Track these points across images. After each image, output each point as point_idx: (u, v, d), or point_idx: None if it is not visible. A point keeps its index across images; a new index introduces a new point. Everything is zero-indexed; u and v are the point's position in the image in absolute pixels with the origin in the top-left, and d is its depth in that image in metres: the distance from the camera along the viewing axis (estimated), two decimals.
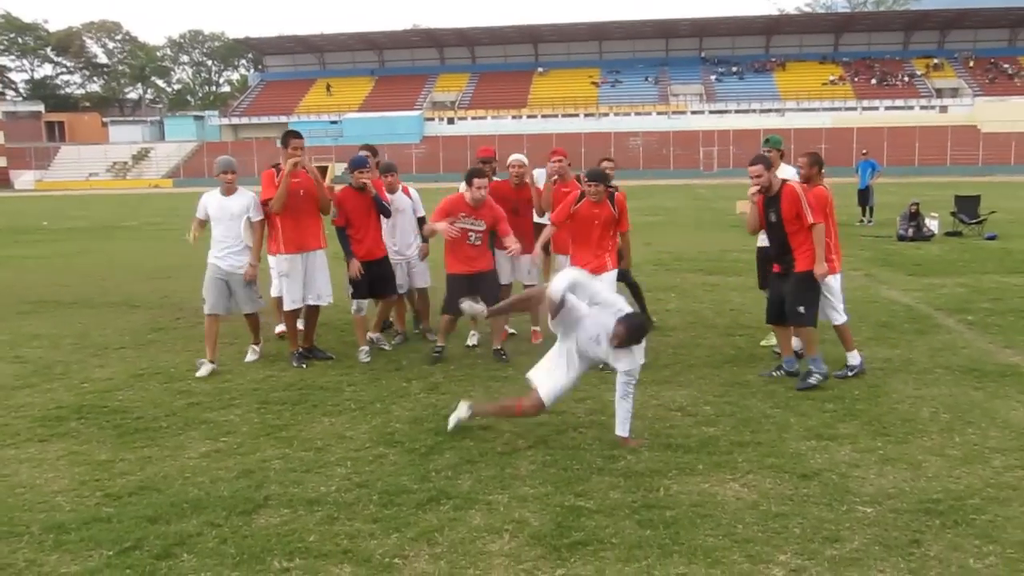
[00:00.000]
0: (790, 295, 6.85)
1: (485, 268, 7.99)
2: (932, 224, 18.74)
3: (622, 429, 5.48)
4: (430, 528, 4.33)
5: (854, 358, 7.12)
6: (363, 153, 8.27)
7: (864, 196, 22.59)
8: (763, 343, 8.27)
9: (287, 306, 7.97)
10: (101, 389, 7.17)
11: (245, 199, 7.72)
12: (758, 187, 6.87)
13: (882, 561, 3.91)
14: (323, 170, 8.09)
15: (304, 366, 7.76)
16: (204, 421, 6.23)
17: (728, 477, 4.95)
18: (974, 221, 18.93)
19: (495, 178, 8.61)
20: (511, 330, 8.91)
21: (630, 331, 5.32)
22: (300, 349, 8.01)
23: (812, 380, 6.68)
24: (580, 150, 50.90)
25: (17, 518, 4.55)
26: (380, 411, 6.40)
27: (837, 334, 7.24)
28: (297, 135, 7.82)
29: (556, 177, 8.37)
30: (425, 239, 8.65)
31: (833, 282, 7.15)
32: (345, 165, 8.43)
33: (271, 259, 8.16)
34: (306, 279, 7.84)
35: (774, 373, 7.09)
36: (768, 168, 6.89)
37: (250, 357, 8.06)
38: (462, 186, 7.99)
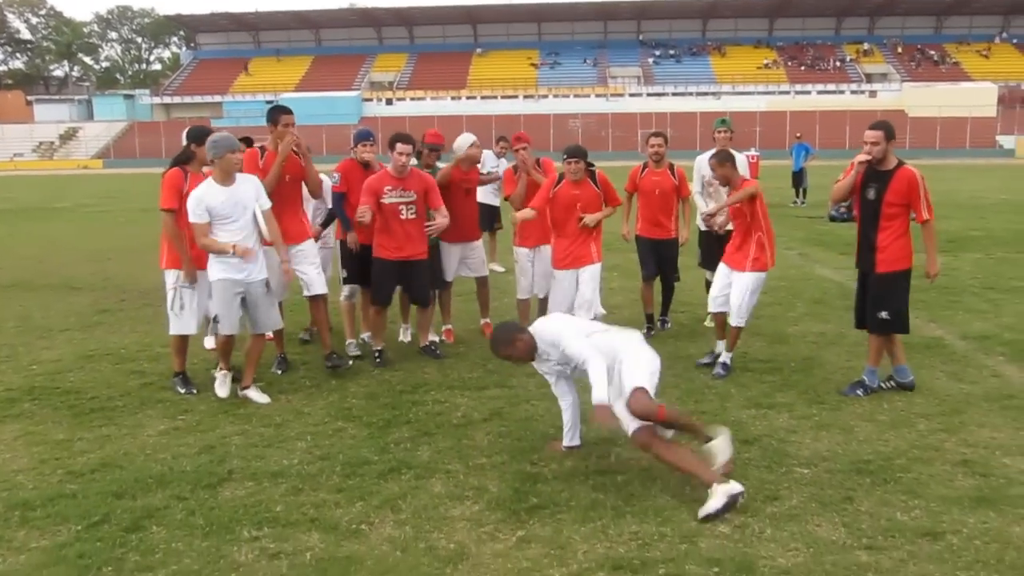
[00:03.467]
0: (873, 298, 6.14)
1: (416, 255, 7.13)
2: None
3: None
4: (393, 496, 4.50)
5: (728, 357, 6.80)
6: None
7: (798, 178, 23.26)
8: (707, 323, 8.53)
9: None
10: (51, 371, 7.13)
11: (251, 184, 6.19)
12: (870, 156, 5.95)
13: (818, 516, 4.22)
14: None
15: (280, 372, 6.97)
16: (160, 400, 6.28)
17: (675, 444, 5.21)
18: None
19: (439, 164, 8.02)
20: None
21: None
22: (282, 352, 7.17)
23: (859, 391, 6.12)
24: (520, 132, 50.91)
25: None
26: (336, 388, 6.53)
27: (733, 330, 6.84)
28: (287, 111, 6.86)
29: (525, 169, 7.68)
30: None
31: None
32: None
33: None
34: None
35: (859, 392, 6.14)
36: (889, 139, 5.94)
37: (221, 389, 6.37)
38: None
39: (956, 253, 13.29)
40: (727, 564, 3.74)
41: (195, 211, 5.94)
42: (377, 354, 7.22)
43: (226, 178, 6.02)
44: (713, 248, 8.21)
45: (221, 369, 6.42)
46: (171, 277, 6.49)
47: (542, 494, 4.50)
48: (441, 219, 7.11)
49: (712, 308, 7.01)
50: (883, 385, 6.26)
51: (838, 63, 75.00)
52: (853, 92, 71.76)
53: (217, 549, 3.94)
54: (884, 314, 6.10)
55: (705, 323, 8.44)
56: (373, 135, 7.57)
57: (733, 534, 4.04)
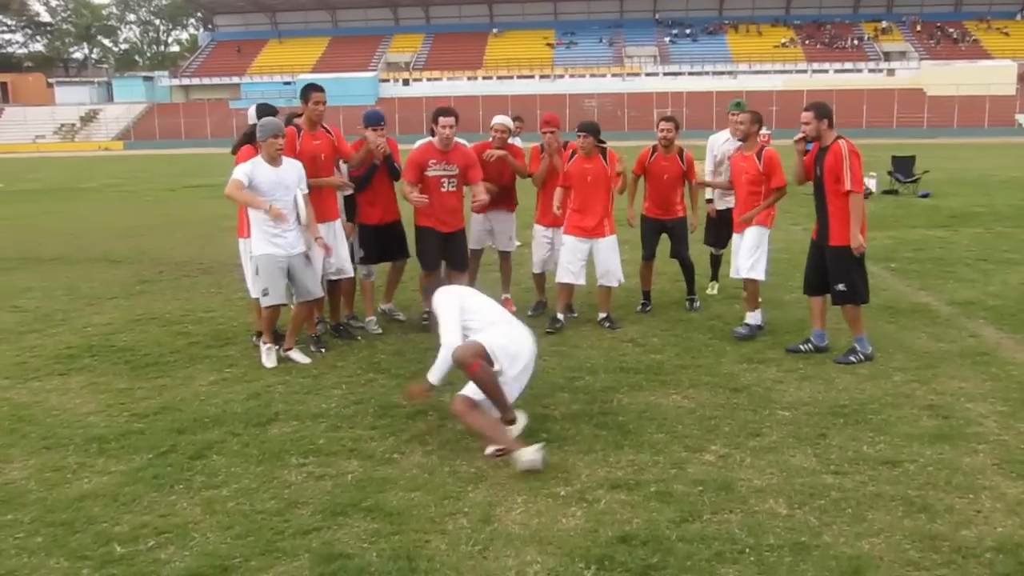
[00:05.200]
0: (830, 272, 6.52)
1: (457, 227, 7.53)
2: (870, 183, 19.77)
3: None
4: (421, 432, 5.13)
5: (755, 318, 7.33)
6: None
7: None
8: (708, 291, 9.03)
9: None
10: (104, 332, 7.80)
11: (296, 168, 6.61)
12: (803, 135, 6.52)
13: (793, 448, 4.81)
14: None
15: (323, 351, 6.99)
16: (207, 356, 6.93)
17: (671, 392, 5.83)
18: (909, 180, 20.05)
19: (513, 141, 8.23)
20: None
21: None
22: (318, 332, 7.31)
23: (852, 358, 6.45)
24: (536, 112, 50.85)
25: (59, 433, 5.24)
26: (366, 346, 7.17)
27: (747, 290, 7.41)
28: (319, 88, 7.06)
29: (549, 152, 7.91)
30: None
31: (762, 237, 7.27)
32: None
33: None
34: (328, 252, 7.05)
35: (802, 347, 6.71)
36: (820, 117, 6.39)
37: (268, 360, 6.65)
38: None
39: (956, 228, 13.75)
40: (710, 484, 4.34)
41: (238, 174, 6.32)
42: (425, 316, 7.54)
43: (273, 160, 6.41)
44: (718, 226, 8.67)
45: (266, 343, 6.69)
46: (244, 245, 6.96)
47: (551, 431, 5.11)
48: (482, 196, 7.30)
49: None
50: (802, 347, 6.73)
51: (856, 41, 74.66)
52: (871, 71, 71.48)
53: (271, 472, 4.59)
54: (841, 286, 6.47)
55: (707, 291, 8.99)
56: (383, 118, 7.52)
57: (717, 462, 4.64)
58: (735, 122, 8.09)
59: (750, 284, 7.34)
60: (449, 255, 7.61)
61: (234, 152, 7.00)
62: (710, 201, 8.86)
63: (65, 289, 9.97)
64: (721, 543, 3.74)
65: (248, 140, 6.92)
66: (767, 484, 4.35)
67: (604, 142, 7.54)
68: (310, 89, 7.04)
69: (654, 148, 8.19)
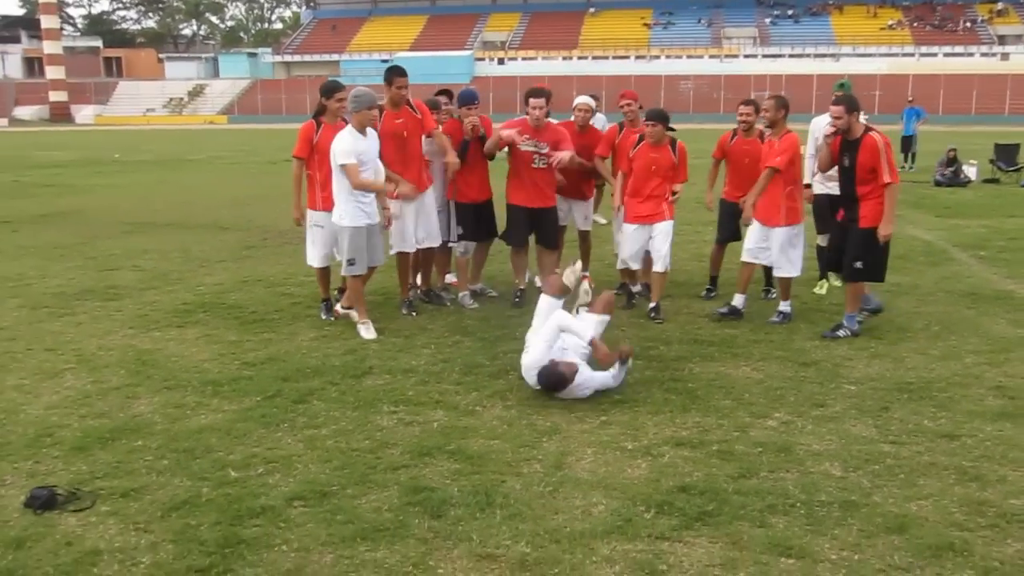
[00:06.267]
0: (850, 249, 6.71)
1: (547, 204, 7.69)
2: (970, 171, 19.30)
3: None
4: (502, 389, 5.54)
5: (786, 306, 7.30)
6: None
7: (907, 142, 23.09)
8: (816, 290, 8.38)
9: (397, 248, 7.52)
10: (215, 291, 8.47)
11: (376, 140, 6.89)
12: (835, 128, 6.71)
13: (855, 419, 5.02)
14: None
15: (414, 314, 7.48)
16: (308, 316, 7.49)
17: (742, 363, 6.08)
18: (1012, 168, 19.44)
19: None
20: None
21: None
22: (410, 296, 7.74)
23: (840, 332, 6.73)
24: None
25: (179, 376, 5.85)
26: (453, 311, 7.62)
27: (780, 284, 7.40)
28: (402, 72, 7.35)
29: (625, 123, 8.11)
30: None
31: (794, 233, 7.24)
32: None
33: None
34: (417, 221, 7.47)
35: (839, 333, 6.76)
36: (850, 112, 6.63)
37: (367, 334, 6.83)
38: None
39: None
40: (770, 446, 4.61)
41: (347, 155, 6.51)
42: (518, 293, 7.80)
43: (362, 130, 6.68)
44: (825, 211, 8.03)
45: (361, 320, 6.91)
46: (311, 216, 7.23)
47: (624, 393, 5.44)
48: (564, 154, 7.39)
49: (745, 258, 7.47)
50: (859, 320, 6.87)
51: (968, 24, 71.50)
52: (983, 55, 68.44)
53: (365, 417, 5.07)
54: (859, 264, 6.68)
55: (814, 290, 8.38)
56: (477, 97, 7.73)
57: (779, 428, 4.90)
58: None
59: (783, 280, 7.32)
60: (539, 232, 7.80)
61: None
62: (808, 186, 8.22)
63: (179, 252, 10.76)
64: (775, 497, 4.02)
65: (315, 115, 7.19)
66: (825, 449, 4.59)
67: (674, 130, 7.54)
68: (393, 73, 7.33)
69: (734, 132, 8.03)
